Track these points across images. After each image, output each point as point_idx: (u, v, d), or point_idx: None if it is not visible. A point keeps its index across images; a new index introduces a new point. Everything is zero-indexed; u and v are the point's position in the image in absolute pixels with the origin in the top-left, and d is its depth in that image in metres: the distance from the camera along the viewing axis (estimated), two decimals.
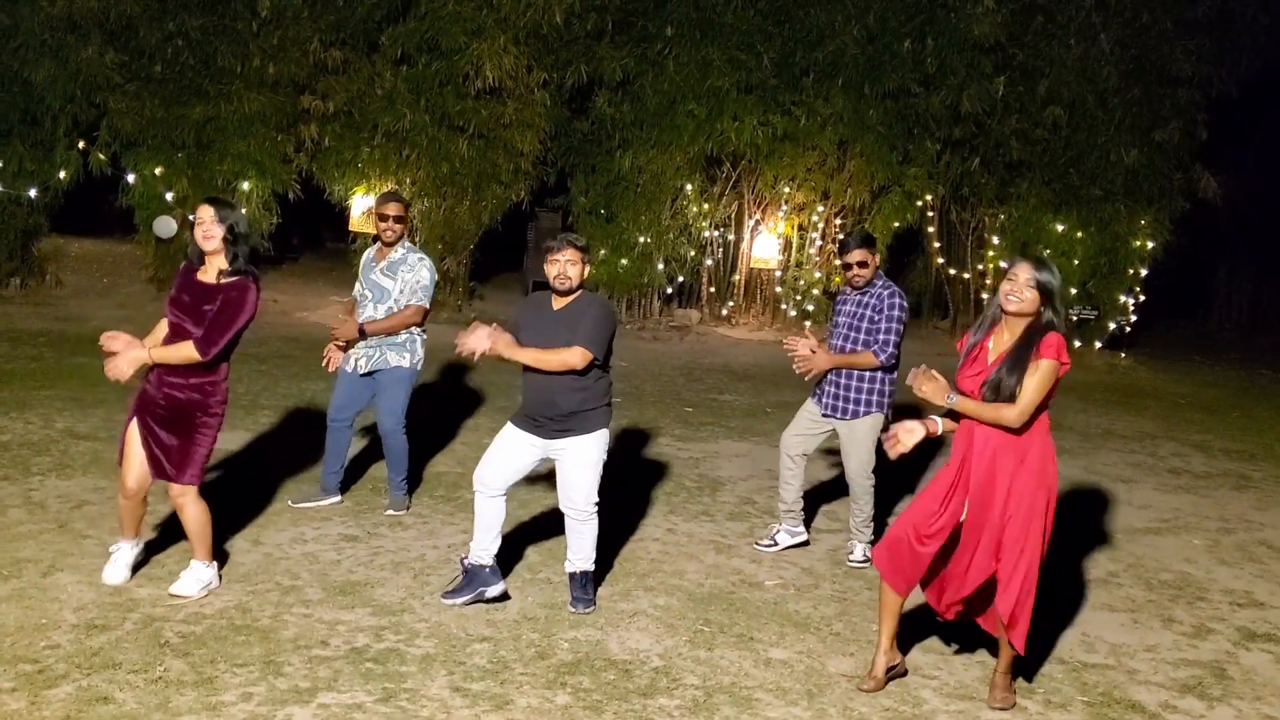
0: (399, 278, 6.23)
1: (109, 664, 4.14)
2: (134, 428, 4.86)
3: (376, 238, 6.37)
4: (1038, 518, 4.26)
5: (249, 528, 5.85)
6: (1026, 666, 4.77)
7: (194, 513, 4.89)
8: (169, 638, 4.41)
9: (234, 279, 4.79)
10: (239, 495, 6.35)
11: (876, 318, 5.86)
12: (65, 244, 14.66)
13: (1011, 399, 4.18)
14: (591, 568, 5.19)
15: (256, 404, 8.69)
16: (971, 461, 4.29)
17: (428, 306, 6.30)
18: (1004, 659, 4.45)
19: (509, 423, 5.19)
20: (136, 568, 5.05)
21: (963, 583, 4.35)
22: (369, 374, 6.29)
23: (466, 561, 5.13)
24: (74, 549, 5.29)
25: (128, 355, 4.73)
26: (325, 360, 6.42)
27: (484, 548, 5.10)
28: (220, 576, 5.04)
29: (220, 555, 5.37)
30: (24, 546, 5.28)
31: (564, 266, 4.98)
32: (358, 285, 6.43)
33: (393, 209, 6.25)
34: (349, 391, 6.37)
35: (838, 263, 6.15)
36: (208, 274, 4.85)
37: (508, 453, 5.11)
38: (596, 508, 5.12)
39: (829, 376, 5.97)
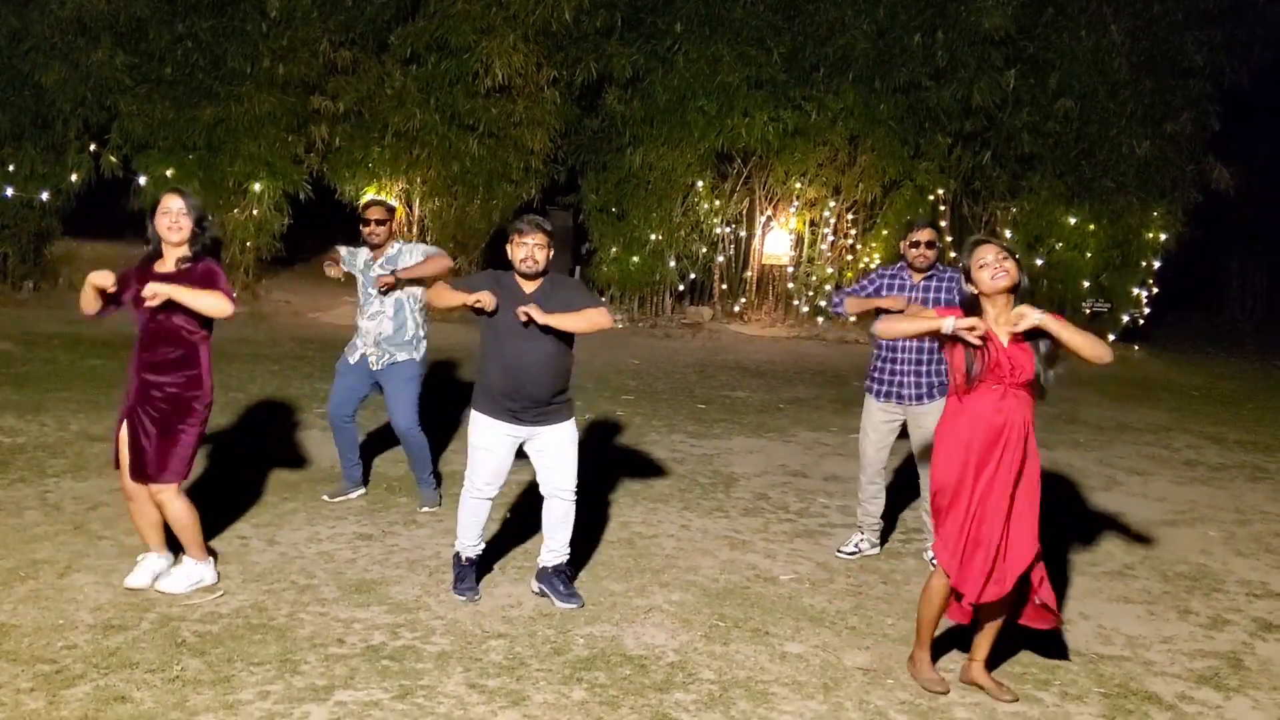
0: (399, 265, 6.26)
1: (126, 664, 4.15)
2: (124, 428, 4.80)
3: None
4: (1039, 482, 4.33)
5: (264, 527, 5.87)
6: (1042, 658, 4.76)
7: (175, 511, 4.83)
8: (185, 637, 4.42)
9: (199, 262, 4.71)
10: (253, 495, 6.38)
11: (951, 300, 5.84)
12: (78, 247, 14.70)
13: (1053, 358, 4.23)
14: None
15: (270, 404, 8.71)
16: (1012, 436, 4.23)
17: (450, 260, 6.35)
18: (985, 648, 4.41)
19: (477, 415, 5.04)
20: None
21: (1009, 564, 4.25)
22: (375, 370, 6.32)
23: (464, 557, 5.17)
24: (90, 550, 5.31)
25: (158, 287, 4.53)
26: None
27: (472, 543, 5.15)
28: (218, 574, 5.01)
29: (236, 555, 5.39)
30: (40, 548, 5.31)
31: (532, 250, 4.94)
32: (358, 284, 6.43)
33: (375, 212, 6.28)
34: (349, 385, 6.38)
35: (906, 242, 5.96)
36: (165, 265, 4.74)
37: (492, 451, 5.03)
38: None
39: (900, 368, 5.86)
